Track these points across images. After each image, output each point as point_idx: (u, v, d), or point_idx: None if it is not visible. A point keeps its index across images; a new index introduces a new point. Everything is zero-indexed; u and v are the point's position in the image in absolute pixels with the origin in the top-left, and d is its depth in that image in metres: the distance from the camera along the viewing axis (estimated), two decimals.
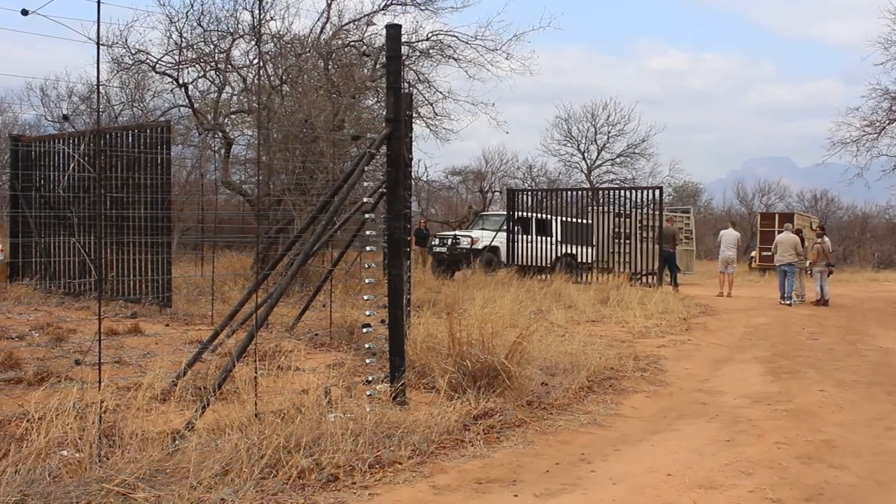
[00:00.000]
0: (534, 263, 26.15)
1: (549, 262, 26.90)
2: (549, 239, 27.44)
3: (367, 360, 8.20)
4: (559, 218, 28.03)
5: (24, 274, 17.48)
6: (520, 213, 27.55)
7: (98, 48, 5.99)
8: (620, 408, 8.71)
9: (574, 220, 28.30)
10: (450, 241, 26.98)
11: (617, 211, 28.33)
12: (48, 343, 10.77)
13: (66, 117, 18.20)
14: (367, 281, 8.22)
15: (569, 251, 27.75)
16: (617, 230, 28.12)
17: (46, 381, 8.17)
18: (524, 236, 27.31)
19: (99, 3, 6.01)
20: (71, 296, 15.85)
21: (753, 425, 8.02)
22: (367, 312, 8.10)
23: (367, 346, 8.23)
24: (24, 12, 6.31)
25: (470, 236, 27.08)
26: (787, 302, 21.39)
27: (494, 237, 26.83)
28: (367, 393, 7.70)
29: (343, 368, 9.35)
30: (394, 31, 8.02)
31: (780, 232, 24.50)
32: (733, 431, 7.75)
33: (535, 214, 27.95)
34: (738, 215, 60.97)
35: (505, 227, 27.32)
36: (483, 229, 28.15)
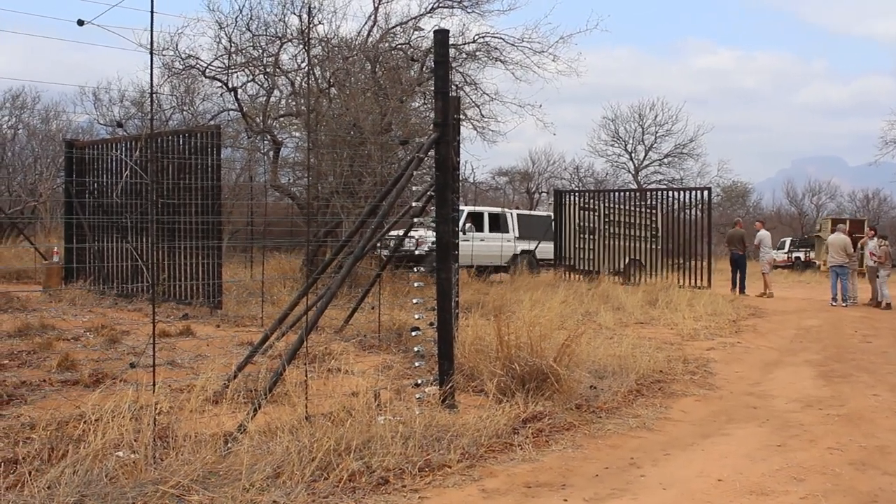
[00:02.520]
0: (488, 263, 24.23)
1: (504, 260, 25.34)
2: (504, 236, 25.49)
3: (416, 363, 8.25)
4: (514, 212, 26.81)
5: (78, 276, 17.74)
6: (472, 208, 25.68)
7: (151, 57, 6.09)
8: (670, 411, 8.67)
9: (533, 213, 27.30)
10: (392, 243, 23.55)
11: (582, 204, 27.82)
12: (102, 345, 10.95)
13: (119, 124, 18.49)
14: (415, 284, 8.25)
15: (527, 248, 26.32)
16: (582, 224, 27.58)
17: (102, 383, 8.31)
18: (474, 233, 24.43)
19: (152, 13, 6.11)
20: (124, 298, 16.09)
21: (805, 430, 7.95)
22: (416, 316, 8.15)
23: (415, 348, 8.28)
24: (80, 22, 6.44)
25: (414, 237, 23.48)
26: (844, 304, 21.12)
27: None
28: (417, 396, 7.74)
29: (392, 371, 9.40)
30: (442, 36, 8.05)
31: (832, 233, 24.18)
32: (785, 436, 7.69)
33: (486, 209, 26.52)
34: (787, 216, 60.29)
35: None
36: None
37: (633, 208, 28.35)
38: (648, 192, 30.56)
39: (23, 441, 6.31)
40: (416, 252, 22.69)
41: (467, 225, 24.17)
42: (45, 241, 25.71)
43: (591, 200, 28.36)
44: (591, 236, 27.00)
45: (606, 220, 27.08)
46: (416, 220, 8.53)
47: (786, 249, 26.37)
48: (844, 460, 6.88)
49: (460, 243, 23.45)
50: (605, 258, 26.57)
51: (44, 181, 33.51)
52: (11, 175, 34.97)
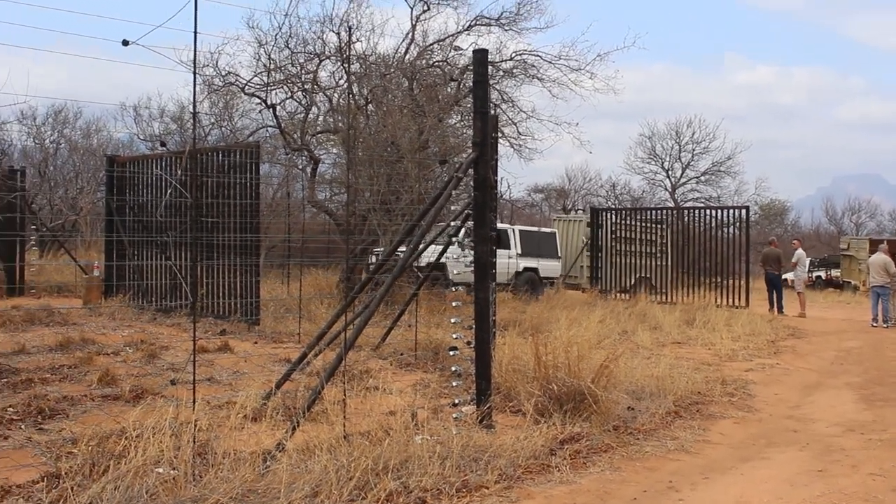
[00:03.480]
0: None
1: (506, 278, 23.58)
2: (506, 252, 23.83)
3: (454, 383, 8.24)
4: (517, 228, 25.68)
5: (117, 291, 17.93)
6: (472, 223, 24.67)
7: (195, 78, 6.17)
8: (708, 434, 8.60)
9: (537, 230, 26.61)
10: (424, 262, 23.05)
11: (588, 220, 27.54)
12: (142, 360, 11.04)
13: (163, 143, 18.67)
14: (454, 304, 8.27)
15: (530, 265, 25.05)
16: (587, 241, 27.31)
17: (142, 399, 8.39)
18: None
19: (196, 33, 6.19)
20: (162, 313, 16.24)
21: (847, 455, 7.85)
22: (454, 335, 8.15)
23: (453, 368, 8.28)
24: (125, 43, 6.53)
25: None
26: (885, 325, 20.86)
27: (442, 252, 23.34)
28: (454, 415, 7.74)
29: (429, 389, 9.41)
30: (481, 55, 8.08)
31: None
32: (826, 461, 7.60)
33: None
34: (826, 234, 59.68)
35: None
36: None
37: (639, 224, 28.18)
38: (686, 211, 30.28)
39: (65, 456, 6.38)
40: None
41: (466, 240, 23.38)
42: (86, 255, 26.01)
43: (629, 218, 28.29)
44: (598, 253, 26.80)
45: (613, 236, 26.88)
46: (454, 239, 8.54)
47: (806, 268, 26.19)
48: (888, 486, 6.79)
49: (459, 260, 23.36)
50: (612, 276, 26.42)
51: (84, 195, 33.89)
52: (53, 189, 35.39)
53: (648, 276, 27.09)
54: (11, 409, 8.00)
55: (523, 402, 8.32)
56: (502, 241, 24.33)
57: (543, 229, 27.75)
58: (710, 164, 51.77)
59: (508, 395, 8.97)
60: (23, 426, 7.52)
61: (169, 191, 15.85)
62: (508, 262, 23.35)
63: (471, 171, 8.07)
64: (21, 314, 15.11)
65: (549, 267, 25.93)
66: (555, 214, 35.11)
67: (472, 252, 7.98)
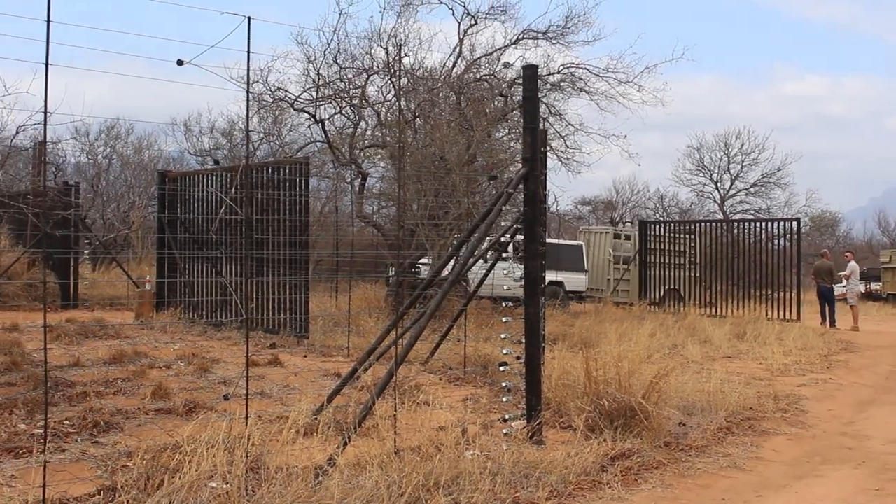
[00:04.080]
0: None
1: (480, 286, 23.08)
2: None
3: (504, 399, 8.23)
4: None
5: (168, 304, 18.14)
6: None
7: (248, 97, 6.25)
8: (761, 450, 8.51)
9: (562, 242, 25.91)
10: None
11: (616, 231, 27.11)
12: (194, 373, 11.16)
13: (216, 161, 18.89)
14: (503, 320, 8.27)
15: (555, 279, 23.81)
16: (615, 254, 26.89)
17: (195, 413, 8.49)
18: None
19: (248, 53, 6.27)
20: (213, 326, 16.41)
21: None
22: (504, 351, 8.15)
23: (503, 384, 8.27)
24: (180, 62, 6.63)
25: (429, 263, 22.46)
26: None
27: (491, 268, 22.16)
28: (504, 431, 7.74)
29: (478, 404, 9.41)
30: (531, 71, 8.10)
31: None
32: (883, 480, 7.48)
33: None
34: (879, 246, 58.75)
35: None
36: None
37: (669, 235, 27.87)
38: (735, 223, 29.97)
39: (121, 469, 6.46)
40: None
41: (489, 253, 22.93)
42: (137, 269, 26.36)
43: (678, 231, 28.06)
44: (625, 266, 26.45)
45: (639, 248, 26.54)
46: (504, 255, 8.55)
47: (843, 283, 25.55)
48: None
49: (479, 272, 22.88)
50: (641, 288, 26.12)
51: (136, 210, 34.37)
52: (105, 204, 35.94)
53: (677, 287, 26.80)
54: (68, 422, 8.13)
55: (573, 418, 8.28)
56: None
57: (569, 242, 27.39)
58: (760, 176, 51.30)
59: (558, 410, 8.95)
60: (79, 439, 7.63)
61: (223, 208, 16.02)
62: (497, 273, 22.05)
63: (520, 185, 8.08)
64: (75, 327, 15.35)
65: (574, 280, 25.48)
66: (581, 226, 34.82)
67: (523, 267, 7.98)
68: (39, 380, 9.99)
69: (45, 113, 5.61)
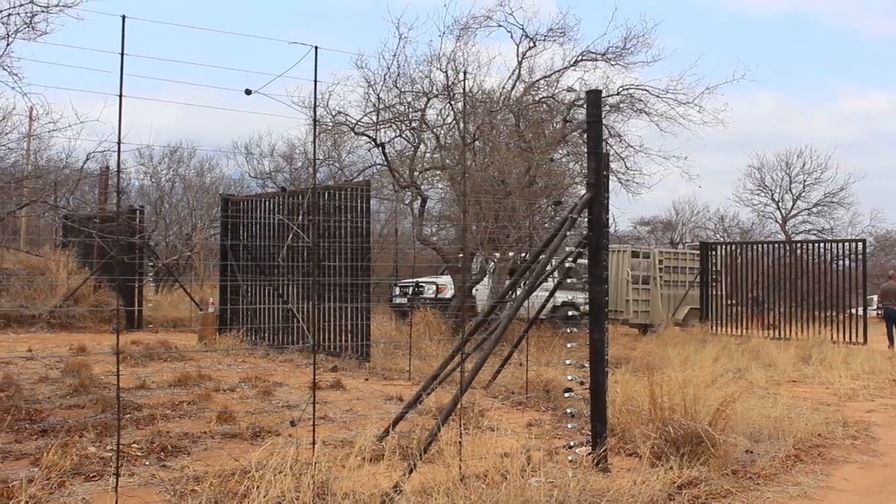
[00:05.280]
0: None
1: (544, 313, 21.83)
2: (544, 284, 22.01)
3: (569, 425, 8.18)
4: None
5: (231, 327, 18.35)
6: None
7: (315, 125, 6.32)
8: (831, 479, 8.34)
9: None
10: (411, 290, 22.88)
11: (634, 249, 26.60)
12: (257, 396, 11.26)
13: (283, 189, 19.08)
14: (568, 345, 8.23)
15: (568, 299, 21.67)
16: (633, 273, 26.33)
17: (260, 437, 8.57)
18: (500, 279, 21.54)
19: (315, 82, 6.34)
20: (274, 348, 16.56)
21: None
22: (569, 377, 8.11)
23: (568, 410, 8.22)
24: (248, 92, 6.72)
25: (435, 283, 22.86)
26: None
27: (552, 292, 20.79)
28: (569, 458, 7.68)
29: (541, 429, 9.37)
30: (594, 96, 8.08)
31: None
32: None
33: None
34: None
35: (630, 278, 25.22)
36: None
37: (689, 253, 27.43)
38: (798, 244, 29.53)
39: (189, 494, 6.53)
40: (437, 297, 22.01)
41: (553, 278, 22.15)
42: (199, 291, 26.74)
43: (740, 253, 27.71)
44: (645, 286, 25.99)
45: (661, 266, 26.11)
46: (570, 280, 8.52)
47: (874, 305, 24.72)
48: None
49: (541, 296, 22.27)
50: (662, 308, 25.69)
51: (198, 232, 34.87)
52: (168, 226, 36.50)
53: (699, 306, 26.37)
54: (136, 446, 8.24)
55: (639, 445, 8.20)
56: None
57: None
58: (823, 196, 50.46)
59: (623, 436, 8.87)
60: (147, 463, 7.73)
61: (291, 234, 16.19)
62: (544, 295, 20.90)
63: (584, 210, 8.06)
64: (140, 349, 15.59)
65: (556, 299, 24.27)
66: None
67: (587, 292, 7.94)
68: (108, 403, 10.16)
69: (119, 143, 5.72)
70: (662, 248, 27.59)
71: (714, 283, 26.61)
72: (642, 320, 25.77)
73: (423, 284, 23.00)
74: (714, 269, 26.94)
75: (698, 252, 27.68)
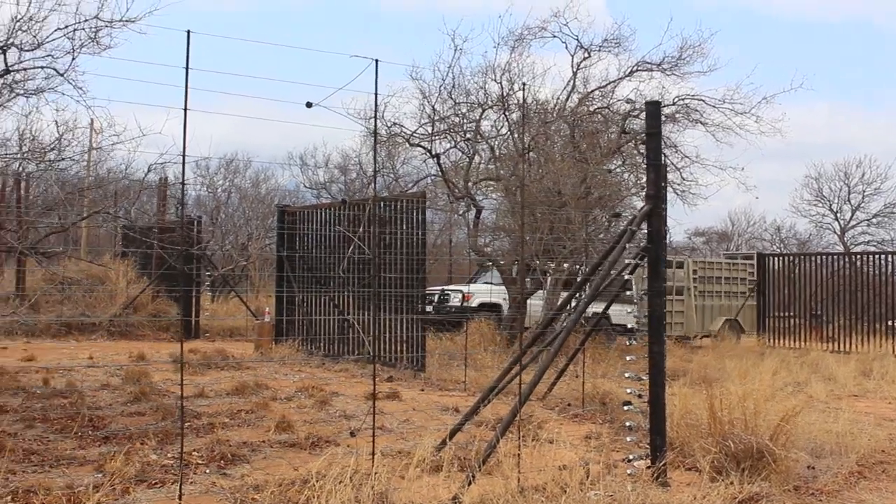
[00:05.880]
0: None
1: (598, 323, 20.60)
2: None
3: (628, 438, 8.13)
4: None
5: (287, 336, 18.49)
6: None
7: (375, 139, 6.36)
8: None
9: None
10: (437, 298, 22.16)
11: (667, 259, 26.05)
12: (314, 406, 11.34)
13: (344, 200, 19.21)
14: (628, 358, 8.18)
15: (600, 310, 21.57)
16: (666, 283, 25.70)
17: (318, 447, 8.64)
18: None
19: (376, 95, 6.39)
20: (330, 358, 16.68)
21: None
22: (628, 390, 8.06)
23: (627, 423, 8.17)
24: (309, 105, 6.80)
25: (461, 291, 22.28)
26: None
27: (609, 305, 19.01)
28: (628, 471, 7.63)
29: (599, 442, 9.32)
30: (653, 108, 8.04)
31: None
32: None
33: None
34: None
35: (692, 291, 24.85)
36: (487, 283, 22.17)
37: (724, 263, 26.94)
38: (857, 255, 29.09)
39: (249, 502, 6.60)
40: (463, 305, 21.48)
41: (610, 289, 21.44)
42: (255, 300, 27.01)
43: (797, 264, 27.35)
44: (678, 297, 25.51)
45: (695, 277, 25.68)
46: (629, 292, 8.49)
47: None
48: None
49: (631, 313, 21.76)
50: (696, 319, 25.25)
51: (253, 242, 35.23)
52: (224, 235, 36.93)
53: (735, 317, 25.93)
54: (196, 453, 8.34)
55: (698, 459, 8.12)
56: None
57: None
58: (883, 206, 49.58)
59: (682, 450, 8.79)
60: (207, 470, 7.83)
61: (351, 246, 16.31)
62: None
63: (643, 223, 8.02)
64: (198, 358, 15.79)
65: (621, 312, 22.12)
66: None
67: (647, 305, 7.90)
68: (167, 410, 10.31)
69: (184, 156, 5.82)
70: (696, 258, 27.21)
71: (752, 294, 26.20)
72: (676, 332, 25.38)
73: (449, 293, 22.65)
74: (754, 280, 26.54)
75: (735, 262, 27.30)
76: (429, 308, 20.83)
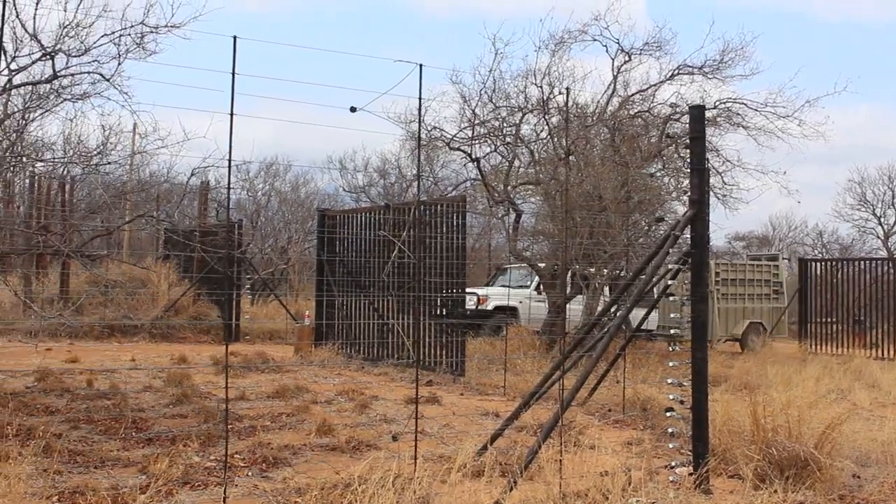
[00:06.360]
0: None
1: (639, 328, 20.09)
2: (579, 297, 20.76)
3: (670, 445, 8.08)
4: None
5: (326, 339, 18.55)
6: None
7: (419, 143, 6.37)
8: None
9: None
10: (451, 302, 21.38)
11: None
12: (354, 409, 11.37)
13: (387, 205, 19.27)
14: (670, 364, 8.13)
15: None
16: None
17: (359, 451, 8.66)
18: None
19: (420, 99, 6.40)
20: (369, 361, 16.73)
21: None
22: (670, 396, 8.01)
23: (669, 430, 8.12)
24: (353, 109, 6.84)
25: (476, 294, 21.80)
26: None
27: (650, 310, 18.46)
28: (670, 478, 7.58)
29: (640, 448, 9.26)
30: (697, 112, 8.00)
31: None
32: None
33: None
34: None
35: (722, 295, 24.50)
36: (504, 286, 22.08)
37: (749, 265, 26.48)
38: None
39: None
40: (479, 308, 21.21)
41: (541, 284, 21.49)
42: (294, 303, 27.15)
43: (839, 269, 27.01)
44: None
45: (718, 279, 25.29)
46: (672, 298, 8.44)
47: None
48: None
49: (531, 304, 21.74)
50: (719, 323, 24.85)
51: (293, 245, 35.42)
52: (264, 239, 37.16)
53: (760, 320, 25.50)
54: (238, 456, 8.40)
55: (741, 466, 8.05)
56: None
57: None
58: None
59: (724, 457, 8.70)
60: (249, 473, 7.87)
61: (395, 250, 16.35)
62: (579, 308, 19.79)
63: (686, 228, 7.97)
64: (238, 360, 15.91)
65: (640, 316, 22.98)
66: None
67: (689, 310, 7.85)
68: (209, 413, 10.39)
69: (230, 160, 5.86)
70: (720, 260, 26.88)
71: (776, 297, 25.77)
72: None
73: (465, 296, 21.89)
74: (778, 281, 26.13)
75: (759, 263, 26.92)
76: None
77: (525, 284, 22.48)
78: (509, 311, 21.51)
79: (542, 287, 21.31)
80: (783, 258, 30.74)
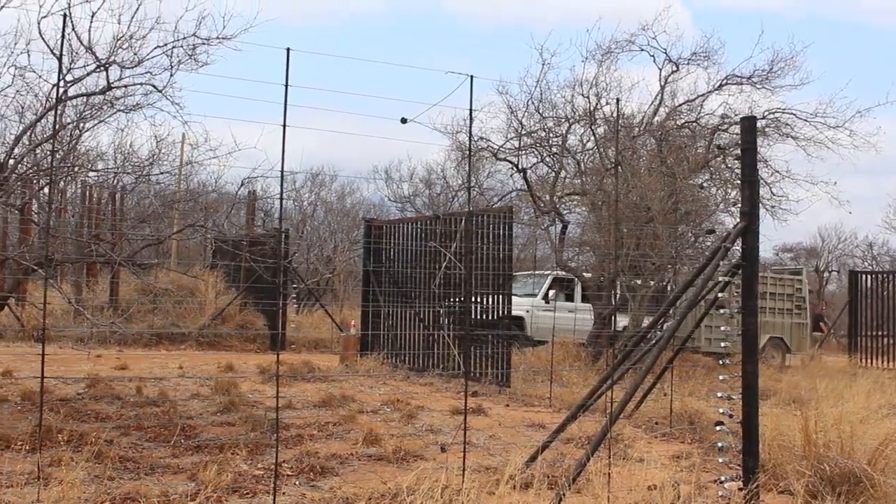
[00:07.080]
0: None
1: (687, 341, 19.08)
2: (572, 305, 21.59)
3: (720, 459, 7.99)
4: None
5: (372, 349, 18.61)
6: (559, 272, 21.30)
7: (469, 155, 6.38)
8: None
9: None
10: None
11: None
12: (400, 419, 11.39)
13: (437, 216, 19.32)
14: (720, 377, 8.05)
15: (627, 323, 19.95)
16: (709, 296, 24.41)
17: (406, 461, 8.67)
18: (562, 303, 21.14)
19: (471, 111, 6.41)
20: (415, 371, 16.75)
21: None
22: (720, 410, 7.93)
23: (718, 444, 8.03)
24: (403, 120, 6.87)
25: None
26: None
27: (699, 322, 17.31)
28: (720, 493, 7.50)
29: (689, 462, 9.18)
30: (749, 123, 7.93)
31: None
32: None
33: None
34: None
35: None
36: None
37: (773, 277, 25.89)
38: None
39: None
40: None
41: (551, 292, 21.57)
42: (340, 312, 27.28)
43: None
44: (719, 310, 24.42)
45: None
46: (722, 311, 8.37)
47: None
48: None
49: (541, 314, 21.45)
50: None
51: (338, 254, 35.59)
52: (309, 248, 37.36)
53: (781, 335, 24.83)
54: (286, 465, 8.45)
55: (791, 482, 7.94)
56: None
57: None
58: None
59: (774, 472, 8.61)
60: (297, 482, 7.92)
61: (445, 261, 16.38)
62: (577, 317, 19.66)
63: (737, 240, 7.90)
64: (284, 369, 15.99)
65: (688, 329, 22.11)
66: None
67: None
68: (257, 421, 10.46)
69: (283, 171, 5.91)
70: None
71: (799, 312, 25.20)
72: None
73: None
74: (801, 296, 25.59)
75: (782, 277, 26.40)
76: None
77: (532, 293, 22.35)
78: (514, 321, 19.57)
79: (549, 296, 21.20)
80: (807, 271, 30.07)
